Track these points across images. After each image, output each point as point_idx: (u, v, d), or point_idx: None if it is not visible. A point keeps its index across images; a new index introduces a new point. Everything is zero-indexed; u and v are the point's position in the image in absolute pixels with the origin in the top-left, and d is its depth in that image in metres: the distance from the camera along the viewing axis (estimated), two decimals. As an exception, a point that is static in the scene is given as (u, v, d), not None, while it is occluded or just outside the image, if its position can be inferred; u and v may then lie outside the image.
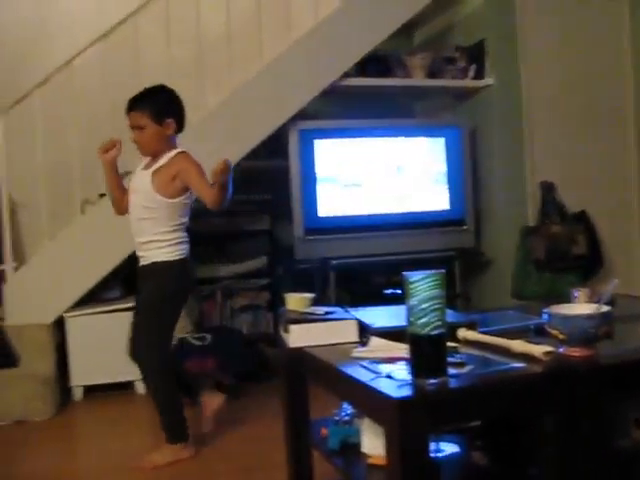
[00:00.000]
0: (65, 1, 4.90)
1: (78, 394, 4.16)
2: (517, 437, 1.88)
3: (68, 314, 4.15)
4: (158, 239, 3.08)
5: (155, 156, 3.10)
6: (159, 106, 3.08)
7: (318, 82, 4.33)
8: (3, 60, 4.67)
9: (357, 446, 1.94)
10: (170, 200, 3.06)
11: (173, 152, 3.08)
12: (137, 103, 3.08)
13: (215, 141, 4.13)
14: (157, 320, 3.10)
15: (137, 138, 3.08)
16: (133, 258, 4.17)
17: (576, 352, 1.68)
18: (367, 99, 4.79)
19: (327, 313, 2.12)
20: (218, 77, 4.27)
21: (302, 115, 4.32)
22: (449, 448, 1.94)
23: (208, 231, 4.78)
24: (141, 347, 3.08)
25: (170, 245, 3.09)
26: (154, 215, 3.06)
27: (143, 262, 3.14)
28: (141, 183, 3.09)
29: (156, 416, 3.11)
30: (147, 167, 3.12)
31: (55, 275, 4.15)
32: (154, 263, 3.09)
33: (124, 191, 3.21)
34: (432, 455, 1.84)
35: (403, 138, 4.43)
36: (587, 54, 4.73)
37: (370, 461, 1.86)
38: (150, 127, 3.04)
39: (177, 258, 3.10)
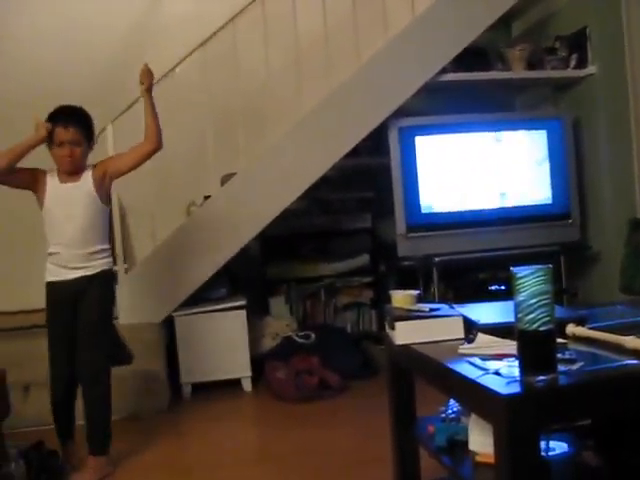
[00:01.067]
0: (168, 7, 5.05)
1: (187, 391, 4.28)
2: (630, 436, 1.84)
3: (177, 313, 4.27)
4: (103, 248, 3.18)
5: (77, 173, 3.15)
6: (91, 128, 3.20)
7: (416, 79, 4.32)
8: (110, 66, 4.85)
9: (464, 444, 1.93)
10: (107, 207, 3.23)
11: (89, 166, 3.19)
12: (77, 119, 3.12)
13: (315, 141, 4.19)
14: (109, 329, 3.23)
15: (72, 152, 3.09)
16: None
17: (692, 348, 1.63)
18: (466, 94, 4.74)
19: (432, 310, 2.12)
20: (316, 78, 4.31)
21: (402, 112, 4.32)
22: (559, 447, 1.91)
23: (310, 230, 4.84)
24: (97, 352, 3.08)
25: (110, 254, 3.25)
26: (99, 223, 3.16)
27: (85, 272, 3.12)
28: (78, 193, 3.12)
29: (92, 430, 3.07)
30: (67, 182, 3.13)
31: (164, 276, 4.29)
32: (103, 271, 3.16)
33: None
34: (542, 454, 1.82)
35: (504, 132, 4.37)
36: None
37: (478, 459, 1.85)
38: (84, 145, 3.13)
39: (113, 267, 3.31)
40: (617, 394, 1.55)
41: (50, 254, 3.14)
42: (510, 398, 1.44)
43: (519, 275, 1.48)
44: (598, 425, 1.93)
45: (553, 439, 1.92)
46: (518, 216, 4.30)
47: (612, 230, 4.40)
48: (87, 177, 3.14)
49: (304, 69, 4.35)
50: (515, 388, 1.48)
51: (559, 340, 1.71)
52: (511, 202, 4.32)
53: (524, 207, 4.33)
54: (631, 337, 1.71)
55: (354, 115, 4.27)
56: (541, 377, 1.49)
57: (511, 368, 1.58)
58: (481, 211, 4.29)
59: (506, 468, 1.45)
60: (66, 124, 3.08)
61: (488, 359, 1.70)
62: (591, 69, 4.52)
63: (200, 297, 4.34)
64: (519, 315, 1.49)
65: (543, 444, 1.85)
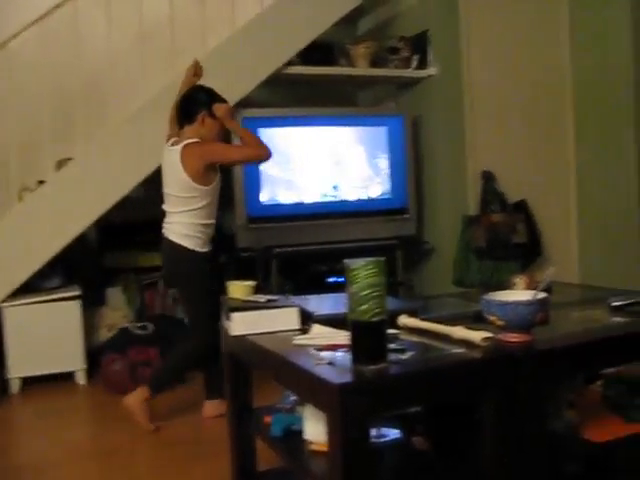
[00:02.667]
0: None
1: (15, 386, 4.08)
2: (457, 422, 1.91)
3: (5, 304, 4.05)
4: None
5: None
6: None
7: (262, 70, 4.31)
8: None
9: (300, 433, 1.95)
10: None
11: None
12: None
13: (157, 128, 4.08)
14: None
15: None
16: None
17: (514, 338, 1.72)
18: (311, 88, 4.79)
19: (269, 301, 2.13)
20: (160, 63, 4.21)
21: (246, 103, 4.30)
22: (390, 434, 1.96)
23: (150, 219, 4.72)
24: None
25: None
26: None
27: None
28: None
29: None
30: None
31: (-8, 263, 4.06)
32: None
33: None
34: (373, 441, 1.87)
35: (346, 127, 4.45)
36: (528, 45, 4.81)
37: (312, 447, 1.87)
38: None
39: None
40: (445, 382, 1.61)
41: (206, 225, 3.31)
42: (341, 387, 1.46)
43: (352, 267, 1.50)
44: (428, 411, 2.00)
45: (385, 426, 1.97)
46: (357, 210, 4.40)
47: (446, 226, 4.59)
48: None
49: (148, 52, 4.23)
50: (347, 377, 1.51)
51: (391, 331, 1.75)
52: (351, 196, 4.41)
53: (363, 201, 4.43)
54: (459, 327, 1.79)
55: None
56: (372, 366, 1.53)
57: (344, 358, 1.61)
58: (321, 204, 4.34)
59: (338, 455, 1.47)
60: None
61: (322, 349, 1.72)
62: (431, 70, 4.69)
63: (32, 287, 4.14)
64: (352, 306, 1.52)
65: (375, 431, 1.90)
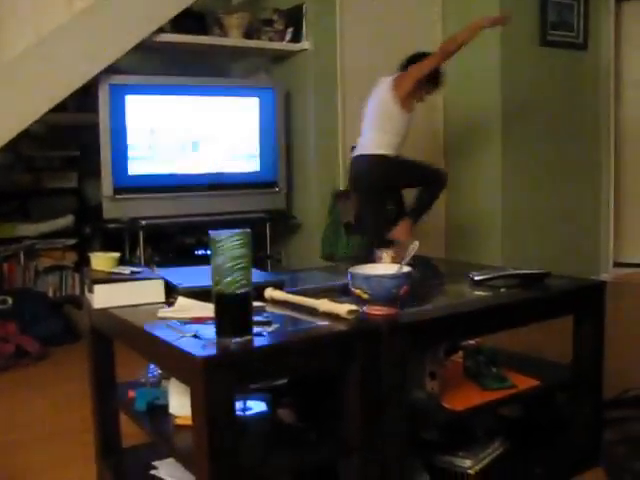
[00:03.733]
0: None
1: None
2: (323, 394, 1.94)
3: None
4: None
5: None
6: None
7: (131, 36, 4.16)
8: None
9: (165, 407, 1.91)
10: None
11: None
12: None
13: (18, 91, 3.88)
14: None
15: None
16: None
17: (378, 311, 1.75)
18: (183, 56, 4.69)
19: (133, 273, 2.07)
20: (21, 21, 3.98)
21: (115, 69, 4.15)
22: (256, 406, 1.96)
23: (10, 188, 4.51)
24: None
25: None
26: None
27: None
28: None
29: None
30: None
31: None
32: None
33: None
34: (238, 413, 1.86)
35: (217, 97, 4.38)
36: (403, 24, 4.90)
37: (177, 422, 1.84)
38: None
39: None
40: (310, 354, 1.62)
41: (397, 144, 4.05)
42: (205, 360, 1.44)
43: (217, 239, 1.48)
44: (293, 384, 2.02)
45: (251, 398, 1.97)
46: (227, 182, 4.35)
47: (316, 200, 4.62)
48: None
49: (6, 9, 4.00)
50: (211, 350, 1.49)
51: (257, 303, 1.75)
52: (221, 168, 4.36)
53: (233, 174, 4.39)
54: (324, 300, 1.80)
55: (64, 67, 4.00)
56: (237, 339, 1.51)
57: (209, 331, 1.59)
58: (190, 175, 4.27)
59: (203, 429, 1.46)
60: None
61: (187, 322, 1.70)
62: (304, 45, 4.68)
63: None
64: (216, 278, 1.50)
65: (240, 404, 1.89)
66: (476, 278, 2.26)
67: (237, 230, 1.49)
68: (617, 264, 6.19)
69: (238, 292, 1.49)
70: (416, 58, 4.10)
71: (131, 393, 2.06)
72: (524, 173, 5.12)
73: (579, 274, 2.61)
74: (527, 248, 5.11)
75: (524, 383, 2.19)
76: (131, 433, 2.24)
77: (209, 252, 1.52)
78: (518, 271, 2.29)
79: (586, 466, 2.31)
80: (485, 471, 2.16)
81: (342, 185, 4.60)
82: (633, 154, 6.55)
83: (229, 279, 1.48)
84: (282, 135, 4.57)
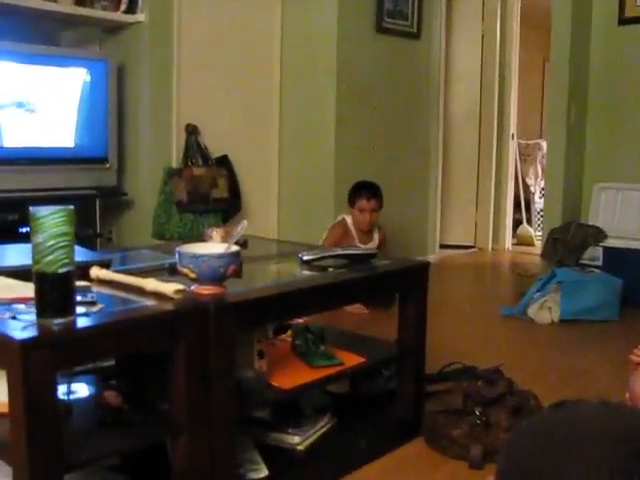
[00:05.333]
0: None
1: None
2: (151, 375, 1.91)
3: None
4: None
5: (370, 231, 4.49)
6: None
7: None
8: None
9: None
10: None
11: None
12: (378, 192, 4.49)
13: None
14: None
15: (373, 219, 4.46)
16: None
17: (206, 290, 1.74)
18: (7, 20, 4.41)
19: (-54, 251, 1.94)
20: None
21: None
22: (81, 389, 1.90)
23: None
24: None
25: None
26: None
27: None
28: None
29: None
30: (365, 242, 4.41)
31: None
32: None
33: None
34: (62, 398, 1.80)
35: (45, 66, 4.16)
36: (242, 3, 4.87)
37: (-6, 409, 1.75)
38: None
39: None
40: (135, 334, 1.59)
41: None
42: (24, 342, 1.38)
43: (37, 215, 1.41)
44: (120, 365, 1.97)
45: (77, 382, 1.91)
46: (53, 157, 4.14)
47: (148, 178, 4.51)
48: (375, 238, 4.51)
49: None
50: (30, 332, 1.43)
51: (81, 283, 1.69)
52: (47, 142, 4.15)
53: (61, 148, 4.20)
54: (150, 279, 1.77)
55: None
56: (59, 320, 1.46)
57: (29, 312, 1.52)
58: (13, 149, 4.03)
59: (21, 417, 1.39)
60: (371, 198, 4.42)
61: (5, 303, 1.61)
62: (140, 16, 4.53)
63: None
64: (36, 257, 1.43)
65: (65, 387, 1.83)
66: (305, 258, 2.30)
67: (59, 207, 1.43)
68: (442, 246, 6.51)
69: (60, 271, 1.43)
70: None
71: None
72: (356, 157, 5.24)
73: (409, 255, 2.72)
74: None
75: (351, 360, 2.26)
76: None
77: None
78: (346, 251, 2.34)
79: (410, 436, 2.42)
80: (314, 447, 2.22)
81: (175, 162, 4.52)
82: (458, 144, 6.91)
83: (50, 258, 1.42)
84: (114, 109, 4.41)
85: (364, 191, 4.43)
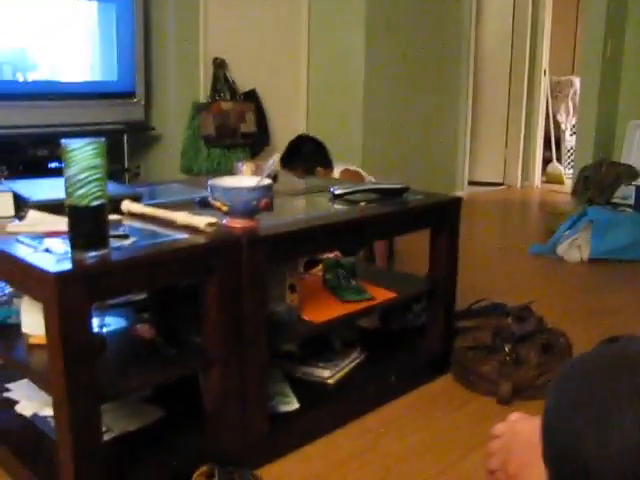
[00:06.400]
0: None
1: None
2: (184, 308, 1.92)
3: None
4: None
5: None
6: (306, 161, 3.49)
7: None
8: None
9: (17, 327, 1.84)
10: None
11: None
12: (286, 162, 3.46)
13: None
14: None
15: None
16: None
17: (238, 223, 1.73)
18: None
19: (-21, 185, 1.95)
20: None
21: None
22: (115, 322, 1.92)
23: None
24: None
25: None
26: None
27: None
28: None
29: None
30: None
31: None
32: None
33: None
34: (96, 330, 1.82)
35: (71, 0, 4.11)
36: None
37: (31, 341, 1.77)
38: None
39: None
40: (168, 268, 1.59)
41: None
42: (58, 275, 1.38)
43: (69, 148, 1.40)
44: (153, 299, 1.99)
45: (111, 314, 1.93)
46: (81, 92, 4.12)
47: (175, 112, 4.48)
48: None
49: None
50: (64, 265, 1.43)
51: (113, 216, 1.69)
52: (73, 76, 4.12)
53: (88, 83, 4.16)
54: (182, 213, 1.76)
55: None
56: (92, 253, 1.46)
57: (63, 245, 1.52)
58: (42, 83, 4.01)
59: (58, 348, 1.41)
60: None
61: (39, 237, 1.61)
62: (166, -52, 4.44)
63: None
64: (69, 190, 1.42)
65: (98, 320, 1.85)
66: (336, 192, 2.28)
67: (90, 139, 1.41)
68: (471, 182, 6.45)
69: (92, 204, 1.43)
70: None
71: (-23, 311, 1.96)
72: (387, 92, 5.16)
73: (437, 191, 2.69)
74: (389, 166, 5.21)
75: (381, 295, 2.26)
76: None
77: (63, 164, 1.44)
78: (377, 185, 2.32)
79: (439, 371, 2.43)
80: (343, 380, 2.23)
81: (203, 97, 4.48)
82: (489, 80, 6.77)
83: (83, 191, 1.41)
84: (141, 43, 4.35)
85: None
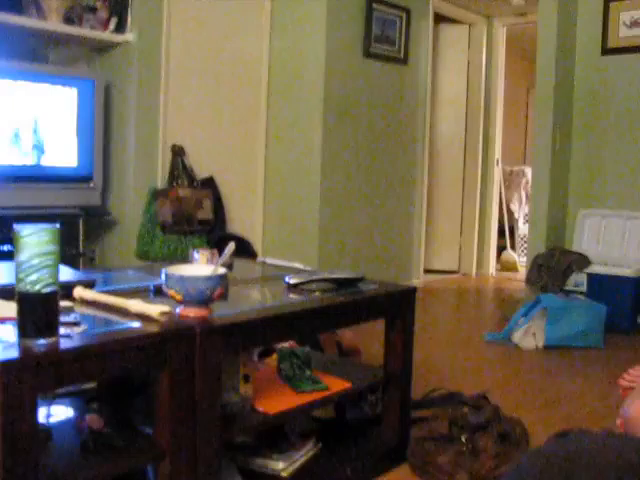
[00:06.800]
0: None
1: None
2: (133, 398, 1.87)
3: None
4: None
5: None
6: None
7: None
8: None
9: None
10: None
11: None
12: None
13: None
14: None
15: None
16: None
17: (192, 312, 1.72)
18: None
19: None
20: None
21: None
22: (63, 412, 1.87)
23: None
24: None
25: None
26: None
27: None
28: None
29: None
30: None
31: None
32: None
33: None
34: (43, 421, 1.76)
35: (32, 83, 4.13)
36: (230, 21, 4.90)
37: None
38: None
39: None
40: (119, 357, 1.56)
41: None
42: (5, 363, 1.34)
43: (22, 233, 1.38)
44: (103, 388, 1.94)
45: (58, 404, 1.87)
46: (39, 175, 4.11)
47: (132, 198, 4.48)
48: None
49: None
50: (11, 353, 1.39)
51: (65, 303, 1.66)
52: (33, 160, 4.12)
53: (46, 167, 4.15)
54: (135, 301, 1.74)
55: None
56: (41, 341, 1.43)
57: (10, 332, 1.49)
58: None
59: (1, 438, 1.35)
60: None
61: (-14, 323, 1.58)
62: (128, 36, 4.52)
63: None
64: (20, 276, 1.40)
65: (44, 410, 1.79)
66: (291, 282, 2.28)
67: (44, 225, 1.40)
68: (427, 271, 6.51)
69: (43, 291, 1.40)
70: None
71: None
72: (342, 180, 5.24)
73: (394, 280, 2.70)
74: (344, 253, 5.24)
75: (337, 385, 2.23)
76: None
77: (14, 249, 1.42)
78: (332, 275, 2.32)
79: (395, 463, 2.39)
80: (298, 473, 2.18)
81: (160, 183, 4.50)
82: (444, 169, 6.94)
83: (34, 277, 1.39)
84: (100, 128, 4.38)
85: None
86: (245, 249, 3.52)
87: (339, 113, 5.17)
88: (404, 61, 5.70)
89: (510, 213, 7.85)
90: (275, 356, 2.36)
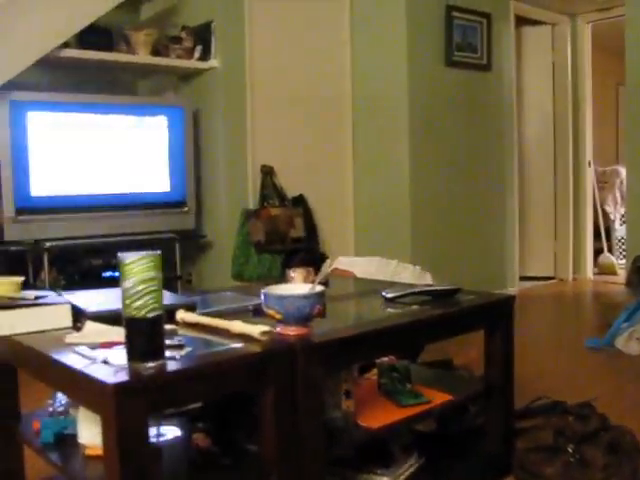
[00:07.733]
0: None
1: None
2: (239, 417, 1.91)
3: None
4: None
5: None
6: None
7: (33, 50, 4.03)
8: None
9: (74, 438, 1.84)
10: None
11: None
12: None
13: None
14: None
15: None
16: None
17: (291, 331, 1.74)
18: (88, 73, 4.58)
19: (38, 298, 1.99)
20: None
21: (17, 85, 4.01)
22: (171, 432, 1.92)
23: None
24: None
25: None
26: None
27: None
28: None
29: None
30: None
31: None
32: None
33: None
34: (152, 440, 1.81)
35: (124, 116, 4.30)
36: (311, 41, 4.97)
37: (87, 452, 1.77)
38: None
39: None
40: (224, 377, 1.59)
41: None
42: (116, 387, 1.39)
43: (126, 261, 1.44)
44: (208, 407, 1.98)
45: (165, 424, 1.92)
46: (135, 202, 4.26)
47: (225, 219, 4.58)
48: None
49: None
50: (122, 376, 1.44)
51: (168, 326, 1.71)
52: (128, 188, 4.27)
53: (141, 194, 4.30)
54: (237, 322, 1.78)
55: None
56: (149, 364, 1.47)
57: (120, 356, 1.54)
58: (96, 196, 4.16)
59: (115, 459, 1.40)
60: None
61: (96, 348, 1.64)
62: (213, 62, 4.65)
63: None
64: (126, 302, 1.45)
65: (154, 430, 1.84)
66: (388, 296, 2.28)
67: (146, 252, 1.45)
68: (522, 278, 6.38)
69: (149, 316, 1.45)
70: None
71: (36, 424, 1.97)
72: (432, 192, 5.21)
73: (489, 289, 2.67)
74: (437, 265, 5.20)
75: (437, 398, 2.22)
76: (37, 467, 2.14)
77: (118, 274, 1.47)
78: (429, 288, 2.31)
79: (500, 475, 2.35)
80: (402, 487, 2.17)
81: (252, 204, 4.58)
82: (534, 174, 6.80)
83: (139, 303, 1.44)
84: (191, 154, 4.51)
85: None
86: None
87: (425, 125, 5.15)
88: (488, 67, 5.64)
89: (605, 215, 7.62)
90: (374, 371, 2.36)
